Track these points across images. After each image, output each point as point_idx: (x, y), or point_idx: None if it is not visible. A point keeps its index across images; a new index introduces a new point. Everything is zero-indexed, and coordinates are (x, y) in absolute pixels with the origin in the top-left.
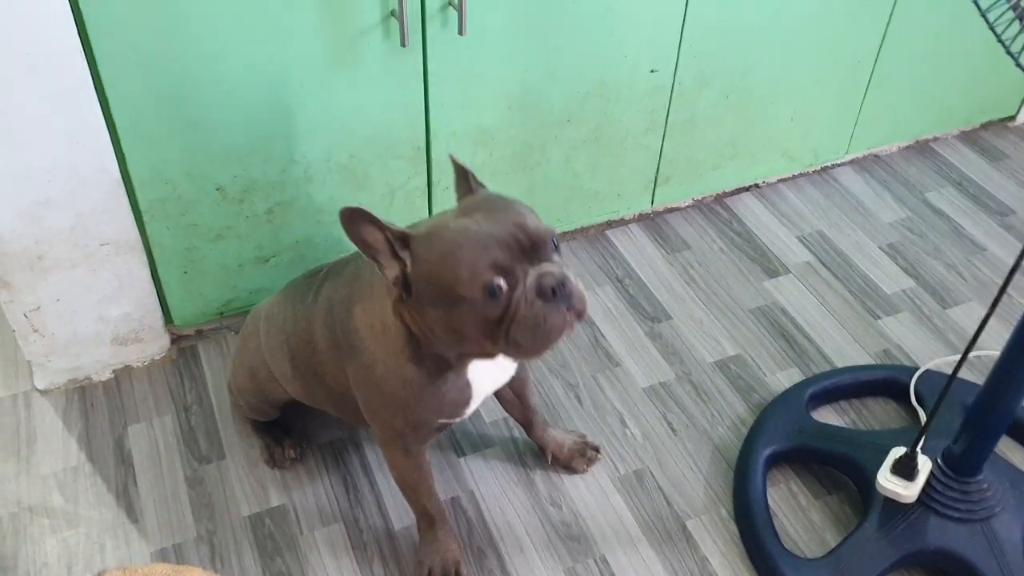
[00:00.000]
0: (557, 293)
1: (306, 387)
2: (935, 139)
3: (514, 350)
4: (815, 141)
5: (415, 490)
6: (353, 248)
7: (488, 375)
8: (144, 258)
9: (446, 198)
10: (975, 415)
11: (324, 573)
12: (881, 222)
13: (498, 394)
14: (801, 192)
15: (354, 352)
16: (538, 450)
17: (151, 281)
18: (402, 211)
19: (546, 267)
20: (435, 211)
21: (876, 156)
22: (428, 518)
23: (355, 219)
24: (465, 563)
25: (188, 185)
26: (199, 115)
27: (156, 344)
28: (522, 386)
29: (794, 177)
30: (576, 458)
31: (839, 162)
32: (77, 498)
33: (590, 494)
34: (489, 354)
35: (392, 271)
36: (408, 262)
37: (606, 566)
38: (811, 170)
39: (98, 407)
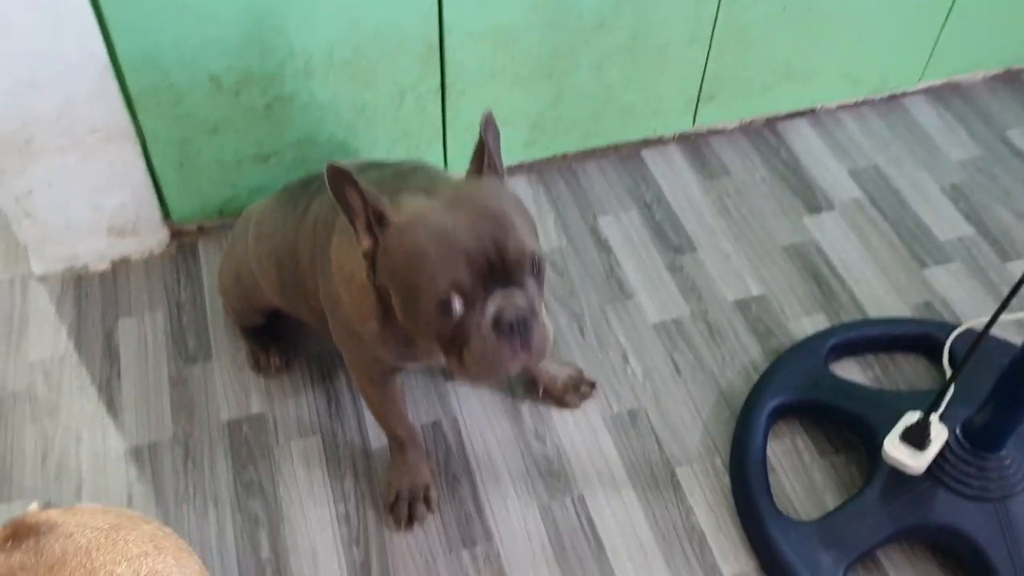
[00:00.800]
0: (514, 329)
1: (290, 300)
2: None
3: (458, 368)
4: (884, 64)
5: (383, 415)
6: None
7: None
8: (137, 148)
9: (462, 103)
10: (1006, 382)
11: (295, 484)
12: (949, 160)
13: None
14: (862, 121)
15: (325, 278)
16: (529, 381)
17: (146, 172)
18: (413, 114)
19: (512, 297)
20: (450, 119)
21: (956, 85)
22: (399, 441)
23: (339, 179)
24: (436, 487)
25: (180, 73)
26: None
27: (154, 238)
28: None
29: (857, 104)
30: (569, 392)
31: (911, 90)
32: (60, 388)
33: (577, 430)
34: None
35: (365, 242)
36: (379, 244)
37: (583, 506)
38: (877, 97)
39: (92, 297)
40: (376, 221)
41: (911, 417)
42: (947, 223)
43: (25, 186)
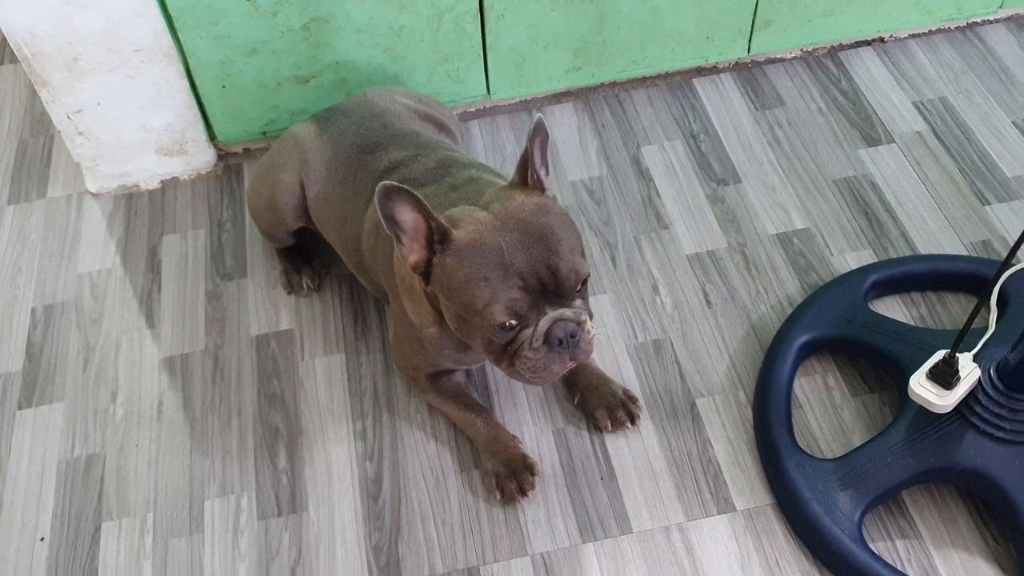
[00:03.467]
0: (564, 343)
1: (347, 259)
2: None
3: (510, 372)
4: None
5: (444, 410)
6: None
7: None
8: (180, 68)
9: (501, 26)
10: None
11: (316, 399)
12: None
13: None
14: (934, 51)
15: (393, 291)
16: (571, 383)
17: (190, 93)
18: (452, 37)
19: (563, 313)
20: (490, 42)
21: None
22: (473, 425)
23: (394, 197)
24: (528, 452)
25: None
26: None
27: (201, 158)
28: None
29: (929, 33)
30: (601, 411)
31: (990, 18)
32: (105, 298)
33: (598, 356)
34: None
35: (414, 256)
36: (438, 259)
37: (597, 433)
38: (952, 26)
39: (141, 214)
40: (439, 238)
41: (941, 355)
42: (1015, 159)
43: (75, 104)
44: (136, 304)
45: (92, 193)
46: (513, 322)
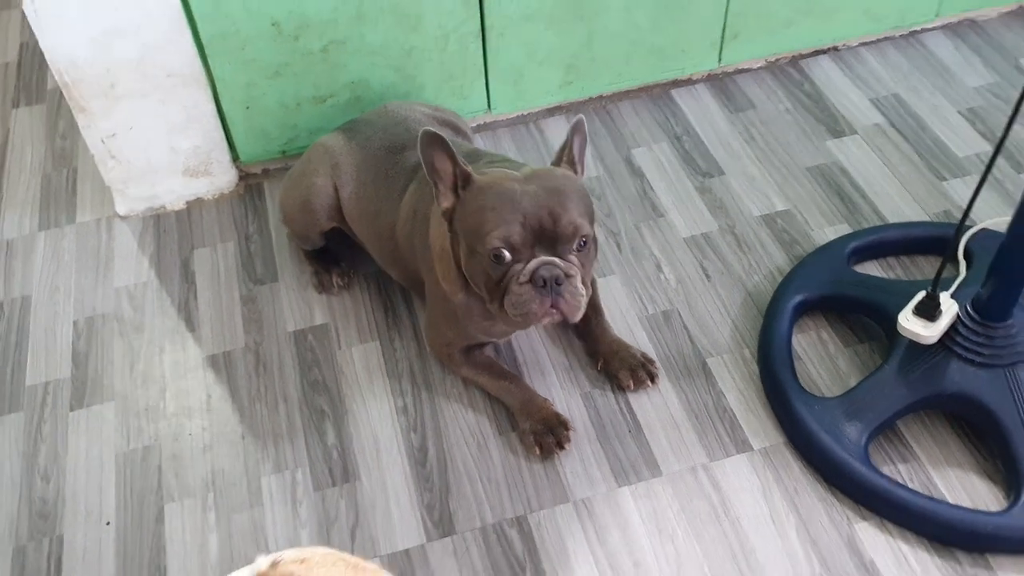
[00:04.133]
0: (547, 285)
1: (379, 253)
2: None
3: (500, 314)
4: (902, 0)
5: (478, 381)
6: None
7: None
8: (208, 92)
9: (501, 44)
10: (1004, 256)
11: (356, 383)
12: (965, 87)
13: None
14: (883, 56)
15: (428, 267)
16: (593, 352)
17: (216, 115)
18: (456, 56)
19: (555, 260)
20: (491, 60)
21: (971, 21)
22: (507, 392)
23: (433, 144)
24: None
25: (246, 20)
26: None
27: (224, 178)
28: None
29: (877, 41)
30: (624, 371)
31: (928, 26)
32: (144, 308)
33: (614, 327)
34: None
35: (447, 201)
36: (460, 200)
37: (621, 393)
38: (897, 34)
39: (169, 232)
40: (462, 182)
41: (923, 294)
42: (965, 142)
43: (110, 128)
44: (175, 312)
45: (121, 216)
46: (507, 253)
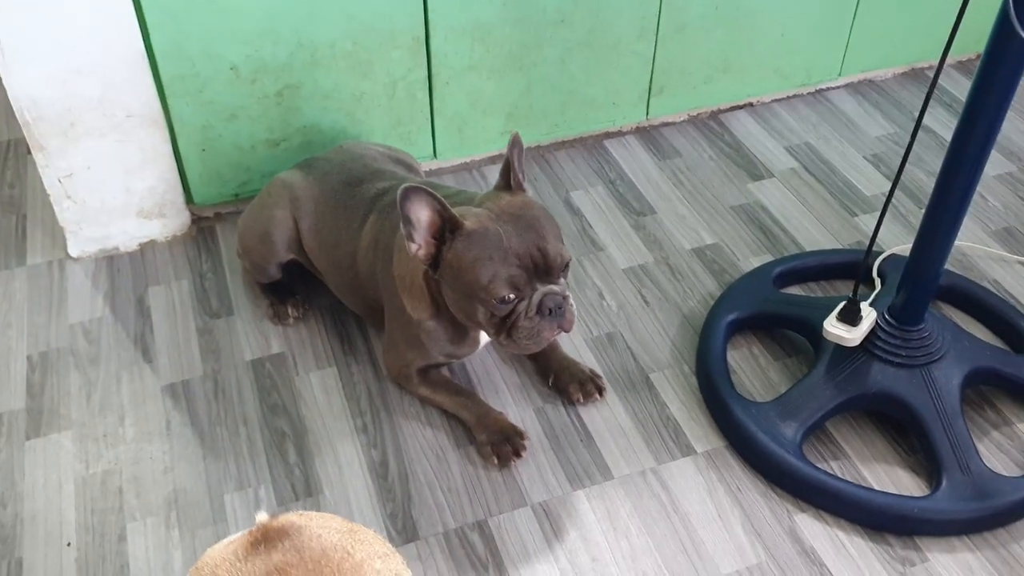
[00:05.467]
0: (553, 312)
1: (337, 283)
2: (930, 67)
3: (508, 343)
4: (807, 60)
5: (436, 399)
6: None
7: None
8: (166, 133)
9: (447, 92)
10: (910, 268)
11: (315, 404)
12: (868, 136)
13: None
14: (794, 111)
15: (390, 293)
16: (542, 369)
17: (172, 156)
18: (404, 103)
19: (552, 288)
20: (437, 108)
21: (871, 81)
22: (463, 407)
23: (414, 197)
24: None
25: (205, 63)
26: None
27: (178, 220)
28: None
29: (788, 97)
30: (573, 385)
31: (833, 85)
32: (99, 342)
33: (563, 348)
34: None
35: (424, 250)
36: (448, 246)
37: (571, 407)
38: (805, 91)
39: (123, 272)
40: (450, 229)
41: (844, 302)
42: (871, 182)
43: (67, 167)
44: (131, 344)
45: (73, 258)
46: (512, 295)
